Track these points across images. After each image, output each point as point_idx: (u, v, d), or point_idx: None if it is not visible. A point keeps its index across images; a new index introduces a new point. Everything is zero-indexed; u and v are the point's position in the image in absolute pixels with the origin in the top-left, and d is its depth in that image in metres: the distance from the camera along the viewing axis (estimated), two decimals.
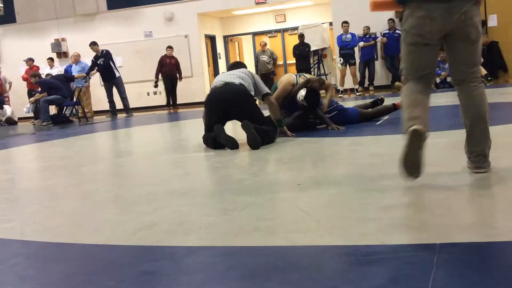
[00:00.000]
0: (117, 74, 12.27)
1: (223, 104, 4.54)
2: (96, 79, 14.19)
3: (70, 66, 13.64)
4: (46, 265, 1.89)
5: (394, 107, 5.63)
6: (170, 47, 13.34)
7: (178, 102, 13.41)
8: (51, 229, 2.35)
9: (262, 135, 4.40)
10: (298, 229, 1.99)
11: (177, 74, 13.26)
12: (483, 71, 11.26)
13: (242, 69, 4.94)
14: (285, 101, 5.30)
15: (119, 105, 12.45)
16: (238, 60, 5.38)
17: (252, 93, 4.73)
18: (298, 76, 5.53)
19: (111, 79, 12.21)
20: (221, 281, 1.55)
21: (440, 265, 1.49)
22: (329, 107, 5.43)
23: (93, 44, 12.29)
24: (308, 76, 5.53)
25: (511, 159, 3.08)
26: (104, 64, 12.10)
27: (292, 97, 5.27)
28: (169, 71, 13.13)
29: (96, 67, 12.24)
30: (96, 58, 12.29)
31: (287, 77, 5.51)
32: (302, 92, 5.16)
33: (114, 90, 12.35)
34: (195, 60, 14.39)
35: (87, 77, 12.65)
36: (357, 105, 6.25)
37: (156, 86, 13.17)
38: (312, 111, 5.31)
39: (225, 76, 4.85)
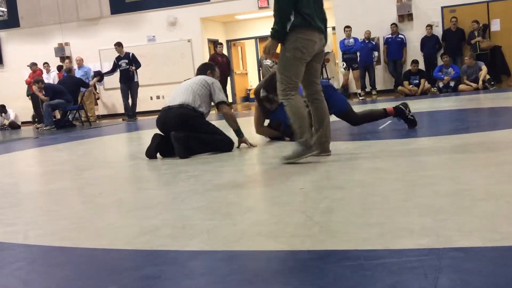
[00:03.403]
0: (136, 79, 12.31)
1: (167, 131, 4.62)
2: (107, 83, 14.27)
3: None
4: (49, 269, 1.89)
5: (385, 113, 5.07)
6: (220, 44, 12.85)
7: None
8: (54, 233, 2.35)
9: (195, 144, 4.51)
10: (300, 234, 1.99)
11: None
12: (486, 76, 11.25)
13: (200, 78, 4.80)
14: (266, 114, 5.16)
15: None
16: (207, 62, 5.32)
17: (202, 109, 4.64)
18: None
19: (129, 82, 12.25)
20: (224, 285, 1.55)
21: (443, 270, 1.49)
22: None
23: (118, 45, 12.34)
24: None
25: None
26: (137, 66, 12.24)
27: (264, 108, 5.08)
28: (222, 72, 12.23)
29: (119, 68, 12.28)
30: (118, 59, 12.32)
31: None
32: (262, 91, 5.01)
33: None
34: (198, 64, 14.40)
35: (104, 76, 12.72)
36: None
37: None
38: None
39: (176, 92, 4.77)
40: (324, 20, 3.72)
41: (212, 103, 4.83)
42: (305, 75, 3.68)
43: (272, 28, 3.54)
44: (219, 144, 4.63)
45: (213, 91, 4.74)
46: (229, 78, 13.05)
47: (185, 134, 4.47)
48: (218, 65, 12.33)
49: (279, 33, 3.52)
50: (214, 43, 13.07)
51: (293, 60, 3.53)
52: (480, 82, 11.18)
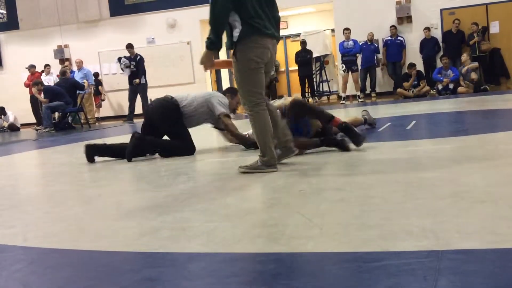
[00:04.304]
0: (143, 81, 12.32)
1: (148, 118, 4.87)
2: (107, 84, 14.24)
3: (73, 72, 13.68)
4: (48, 271, 1.89)
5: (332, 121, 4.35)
6: None
7: None
8: (53, 235, 2.35)
9: (151, 147, 4.75)
10: (299, 236, 1.99)
11: None
12: (476, 76, 11.32)
13: (211, 91, 5.06)
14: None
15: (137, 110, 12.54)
16: (234, 87, 5.22)
17: (185, 109, 4.73)
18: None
19: (136, 84, 12.24)
20: (223, 287, 1.55)
21: (442, 272, 1.49)
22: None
23: (129, 47, 12.35)
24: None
25: None
26: (138, 70, 12.26)
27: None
28: None
29: (129, 69, 12.29)
30: (129, 60, 12.32)
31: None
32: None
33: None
34: (197, 66, 14.43)
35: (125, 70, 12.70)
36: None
37: None
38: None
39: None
40: (275, 19, 3.49)
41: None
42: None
43: (207, 38, 3.35)
44: (177, 150, 4.73)
45: (211, 105, 4.78)
46: (229, 80, 13.01)
47: (143, 138, 4.64)
48: None
49: (214, 44, 3.33)
50: None
51: (249, 71, 3.38)
52: (465, 69, 11.30)
